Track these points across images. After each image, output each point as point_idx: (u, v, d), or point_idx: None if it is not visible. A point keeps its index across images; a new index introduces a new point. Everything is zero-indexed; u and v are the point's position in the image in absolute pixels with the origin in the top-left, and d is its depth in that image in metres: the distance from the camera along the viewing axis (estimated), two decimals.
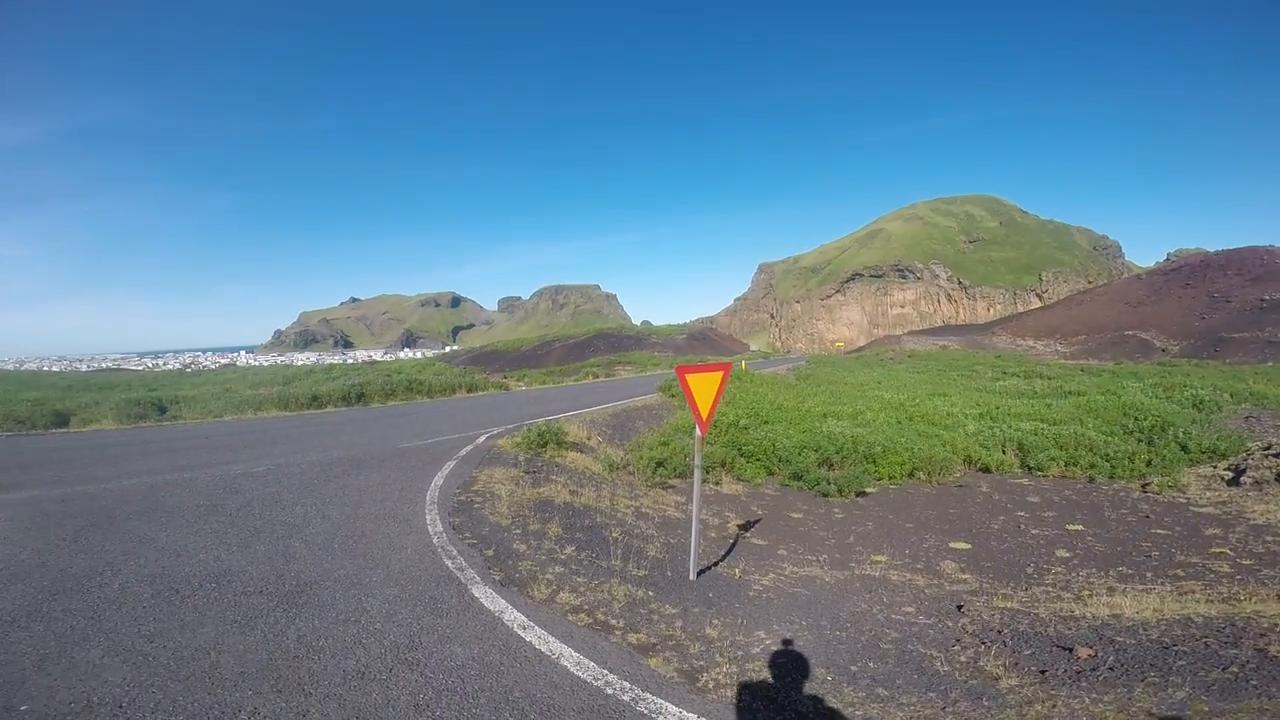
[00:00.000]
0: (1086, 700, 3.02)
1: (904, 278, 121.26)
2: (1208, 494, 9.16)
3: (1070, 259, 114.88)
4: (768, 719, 2.96)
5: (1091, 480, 10.19)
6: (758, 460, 10.60)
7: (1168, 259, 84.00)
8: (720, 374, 5.07)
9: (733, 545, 6.41)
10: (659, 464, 9.48)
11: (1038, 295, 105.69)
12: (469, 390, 23.86)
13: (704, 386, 4.98)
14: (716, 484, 9.41)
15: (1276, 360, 34.91)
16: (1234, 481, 9.55)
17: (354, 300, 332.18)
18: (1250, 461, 9.98)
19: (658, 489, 8.74)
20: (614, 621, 3.92)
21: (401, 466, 8.50)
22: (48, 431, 15.04)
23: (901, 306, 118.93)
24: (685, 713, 2.91)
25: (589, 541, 5.58)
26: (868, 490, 9.55)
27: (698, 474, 5.08)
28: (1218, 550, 6.70)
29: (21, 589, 4.12)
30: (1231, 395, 18.41)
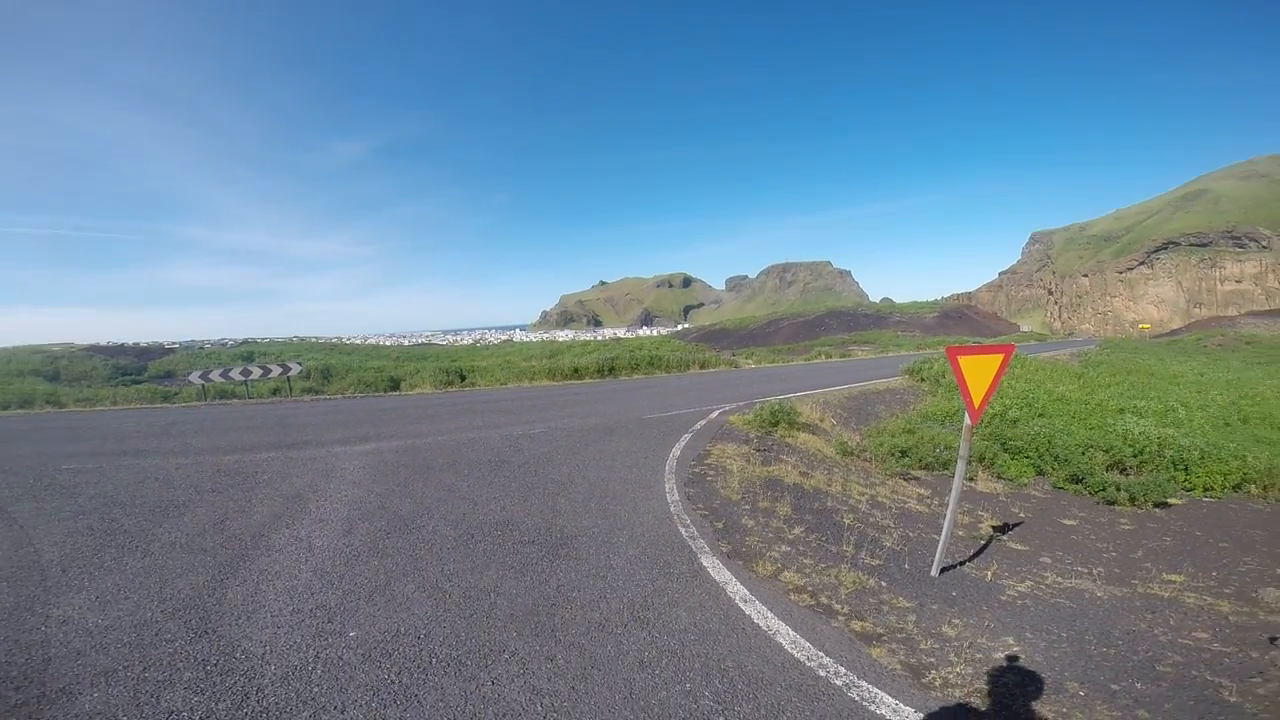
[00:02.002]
0: None
1: (1241, 247, 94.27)
2: None
3: None
4: None
5: None
6: (1025, 457, 9.38)
7: None
8: (1000, 358, 4.51)
9: (984, 546, 5.83)
10: (902, 453, 8.94)
11: None
12: (701, 367, 24.79)
13: (979, 371, 4.50)
14: (971, 479, 8.58)
15: None
16: None
17: (602, 283, 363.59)
18: None
19: (897, 479, 8.26)
20: (838, 606, 3.84)
21: (645, 436, 9.24)
22: (386, 394, 19.28)
23: (1237, 281, 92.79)
24: (902, 705, 2.79)
25: (818, 525, 5.52)
26: (1171, 501, 7.89)
27: (961, 465, 4.65)
28: None
29: (367, 528, 5.05)
30: None
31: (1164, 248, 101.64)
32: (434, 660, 3.10)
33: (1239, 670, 3.26)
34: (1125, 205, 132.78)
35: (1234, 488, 8.30)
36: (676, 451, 8.13)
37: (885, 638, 3.51)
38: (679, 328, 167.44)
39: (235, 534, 5.09)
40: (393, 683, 2.91)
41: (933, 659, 3.30)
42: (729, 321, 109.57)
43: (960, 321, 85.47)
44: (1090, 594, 4.61)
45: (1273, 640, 3.69)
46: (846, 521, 5.71)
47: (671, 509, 5.67)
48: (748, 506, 5.85)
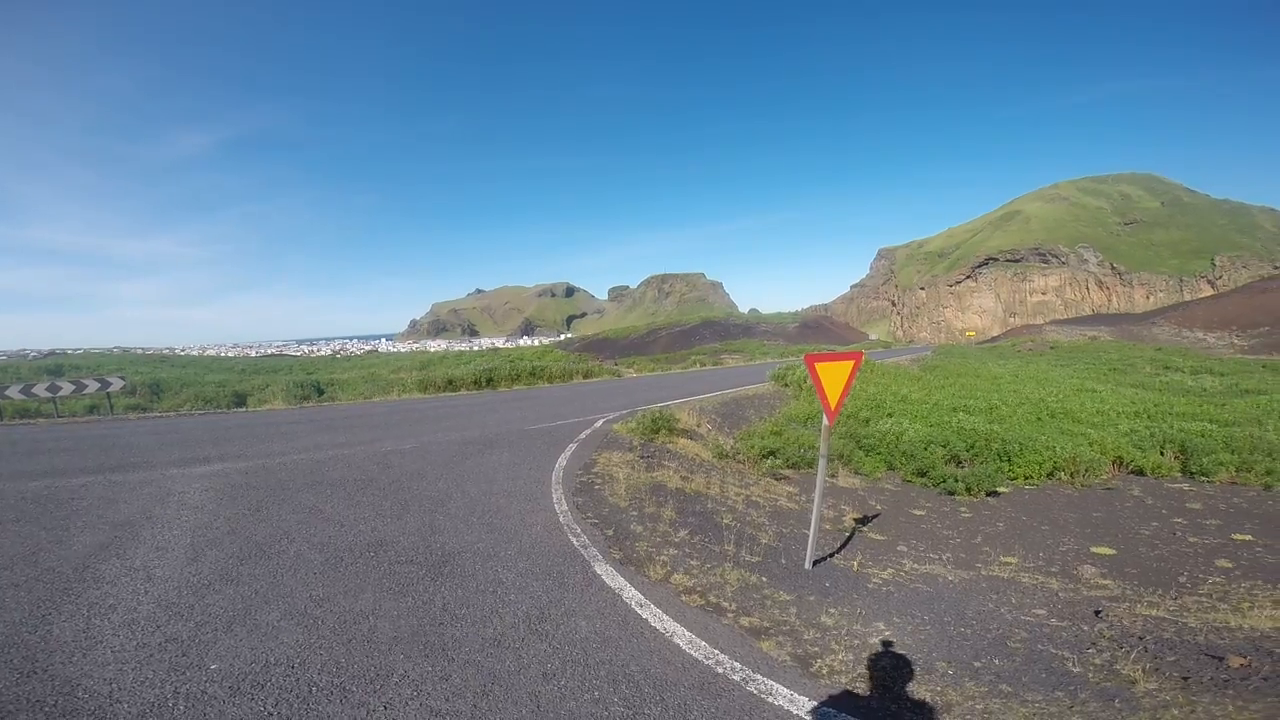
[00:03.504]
0: (1230, 707, 2.78)
1: (1046, 262, 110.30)
2: None
3: (1251, 242, 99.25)
4: (882, 707, 2.93)
5: (1268, 488, 8.98)
6: (878, 454, 10.28)
7: None
8: (851, 364, 4.97)
9: (849, 538, 6.33)
10: (771, 453, 9.46)
11: (1209, 282, 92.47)
12: (585, 376, 24.79)
13: (834, 376, 4.93)
14: (832, 476, 9.26)
15: None
16: None
17: (479, 291, 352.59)
18: None
19: (769, 478, 8.74)
20: (726, 604, 4.03)
21: (529, 447, 9.08)
22: (230, 410, 17.40)
23: (1043, 294, 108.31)
24: (796, 695, 2.96)
25: (701, 526, 5.72)
26: (1000, 490, 9.00)
27: (823, 463, 5.04)
28: None
29: (217, 555, 4.63)
30: None
31: (985, 263, 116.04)
32: (314, 689, 2.87)
33: (1075, 643, 3.75)
34: (956, 224, 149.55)
35: (1048, 475, 9.61)
36: (563, 461, 8.09)
37: (772, 631, 3.71)
38: (562, 337, 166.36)
39: (52, 566, 4.41)
40: (270, 714, 2.67)
41: (817, 648, 3.53)
42: (611, 331, 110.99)
43: (818, 331, 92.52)
44: (943, 578, 5.13)
45: (1097, 613, 4.30)
46: (726, 522, 5.96)
47: (561, 519, 5.65)
48: (635, 513, 5.94)
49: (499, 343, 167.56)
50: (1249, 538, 6.96)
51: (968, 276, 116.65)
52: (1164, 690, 3.06)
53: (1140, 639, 3.71)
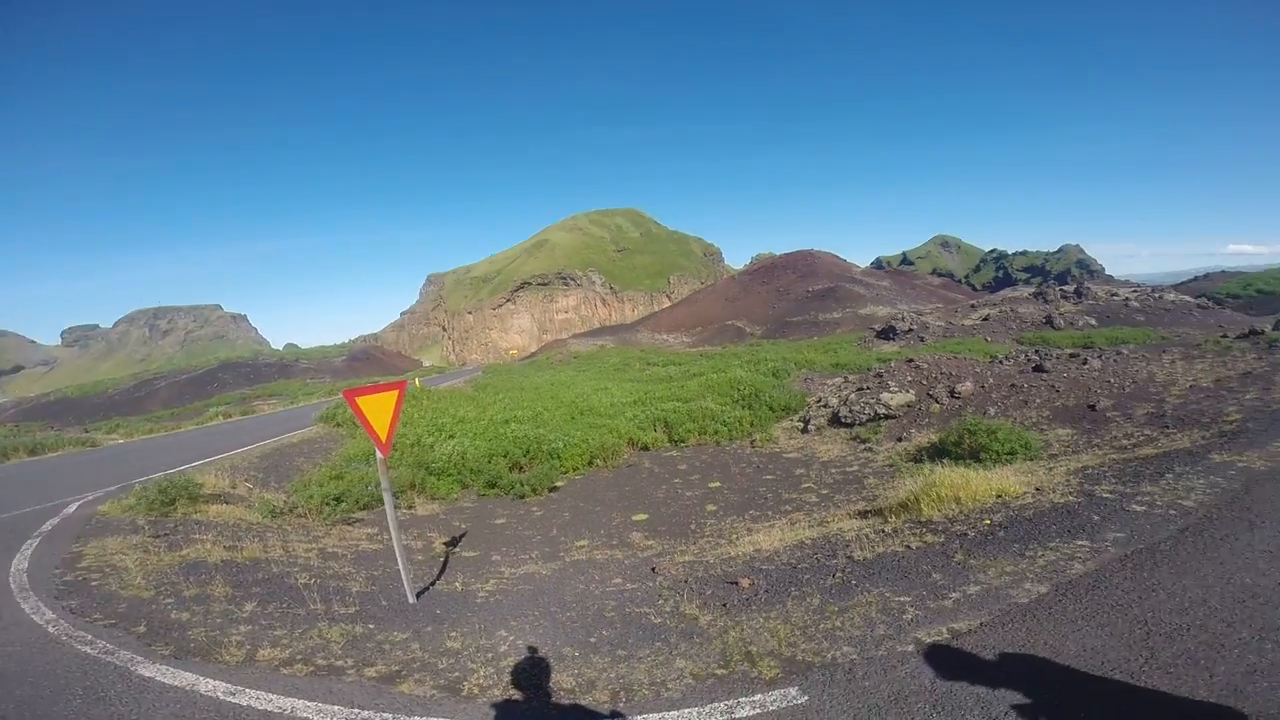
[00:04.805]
0: (761, 619, 3.83)
1: (567, 285, 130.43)
2: (791, 442, 12.13)
3: (689, 264, 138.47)
4: (541, 703, 3.12)
5: (718, 444, 12.58)
6: (449, 475, 10.36)
7: (752, 261, 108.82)
8: (395, 393, 5.03)
9: (445, 562, 6.30)
10: (337, 499, 8.56)
11: (667, 296, 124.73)
12: (31, 453, 17.71)
13: (378, 408, 4.89)
14: (409, 507, 8.93)
15: (820, 335, 47.84)
16: (804, 429, 12.83)
17: None
18: (811, 413, 13.53)
19: (341, 525, 7.91)
20: (341, 662, 3.73)
21: None
22: None
23: (566, 312, 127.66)
24: None
25: (272, 594, 4.96)
26: (558, 485, 10.16)
27: (388, 497, 4.99)
28: (806, 485, 8.96)
29: None
30: (795, 364, 24.47)
31: (522, 287, 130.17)
32: None
33: (649, 598, 4.53)
34: (498, 251, 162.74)
35: (588, 463, 11.31)
36: (22, 564, 5.82)
37: (404, 672, 3.56)
38: None
39: None
40: None
41: (458, 673, 3.52)
42: (74, 389, 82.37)
43: (369, 362, 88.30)
44: (539, 574, 5.58)
45: (653, 570, 5.25)
46: (303, 581, 5.27)
47: (51, 630, 4.20)
48: (171, 600, 4.75)
49: None
50: (719, 484, 9.57)
51: (508, 300, 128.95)
52: (717, 619, 3.97)
53: (685, 582, 4.73)
